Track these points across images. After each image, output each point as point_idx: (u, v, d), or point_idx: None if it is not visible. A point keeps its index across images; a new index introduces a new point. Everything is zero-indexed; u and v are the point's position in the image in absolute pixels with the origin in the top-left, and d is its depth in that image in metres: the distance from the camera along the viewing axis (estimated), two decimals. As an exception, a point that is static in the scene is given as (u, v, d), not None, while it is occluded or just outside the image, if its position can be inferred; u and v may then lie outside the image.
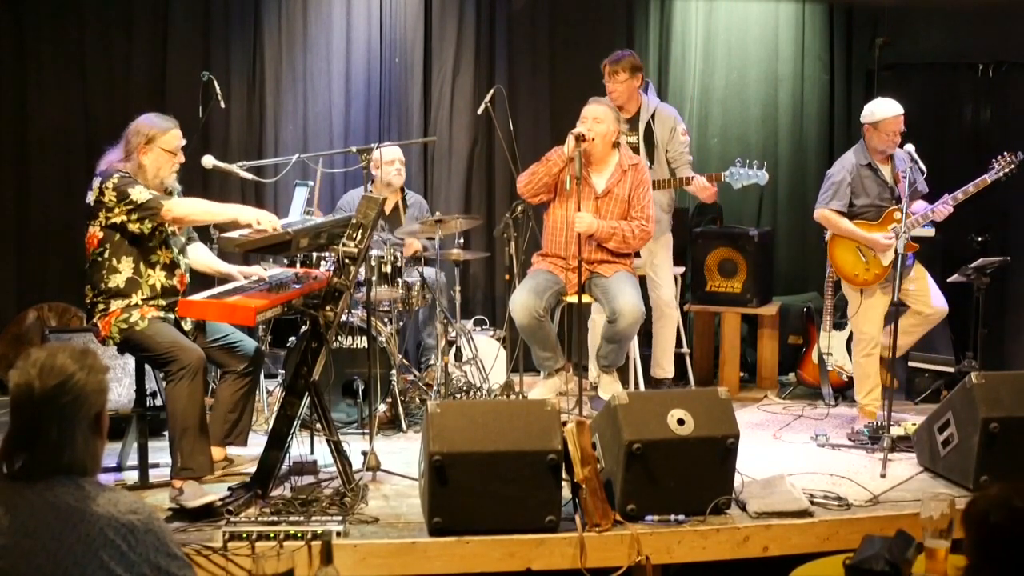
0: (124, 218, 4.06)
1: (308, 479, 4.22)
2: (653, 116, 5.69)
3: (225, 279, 4.52)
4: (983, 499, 2.19)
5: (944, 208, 5.13)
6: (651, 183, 5.56)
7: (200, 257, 4.49)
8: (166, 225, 4.16)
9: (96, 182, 4.10)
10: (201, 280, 4.61)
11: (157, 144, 4.14)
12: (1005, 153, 5.13)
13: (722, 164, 6.05)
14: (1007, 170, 5.11)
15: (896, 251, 4.80)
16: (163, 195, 4.12)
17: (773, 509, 3.88)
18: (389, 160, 5.84)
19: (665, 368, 5.87)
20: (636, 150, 5.66)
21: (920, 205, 5.20)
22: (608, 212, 5.24)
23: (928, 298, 5.29)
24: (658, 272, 5.80)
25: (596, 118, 5.20)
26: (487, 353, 5.84)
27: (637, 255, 5.79)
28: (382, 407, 5.13)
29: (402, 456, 4.53)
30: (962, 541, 3.69)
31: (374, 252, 5.03)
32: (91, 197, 4.10)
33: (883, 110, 5.19)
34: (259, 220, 4.07)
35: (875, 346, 5.27)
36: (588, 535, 3.67)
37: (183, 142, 4.25)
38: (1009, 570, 2.11)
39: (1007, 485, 2.23)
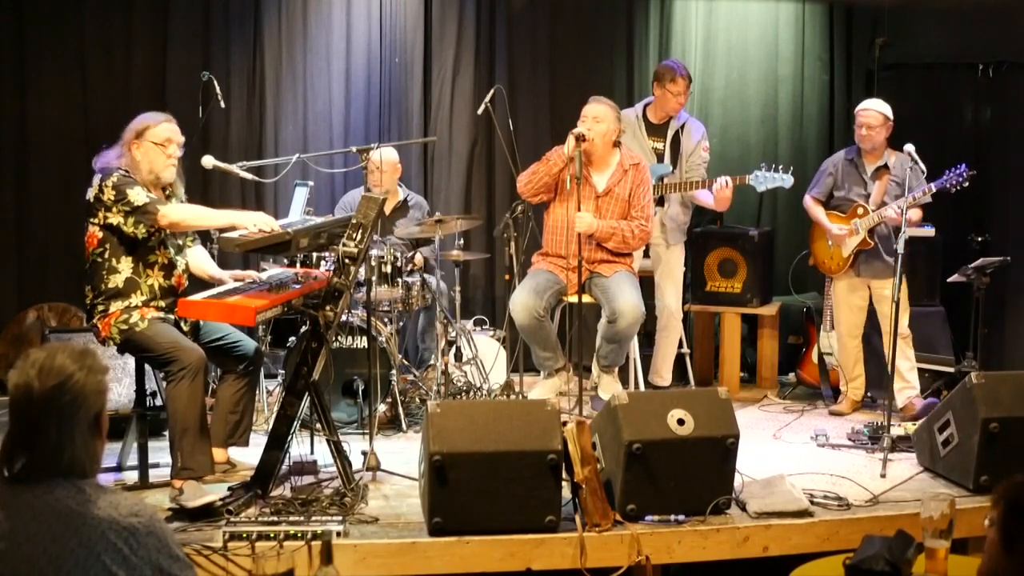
0: (120, 220, 4.05)
1: (308, 479, 4.22)
2: (682, 127, 5.75)
3: (219, 282, 4.50)
4: None
5: (890, 211, 5.22)
6: (673, 185, 5.64)
7: (197, 261, 4.48)
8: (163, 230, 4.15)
9: (96, 179, 4.09)
10: (201, 280, 4.60)
11: (147, 137, 4.13)
12: (956, 167, 5.15)
13: (721, 164, 6.06)
14: (954, 182, 5.15)
15: (897, 251, 4.80)
16: (160, 199, 4.11)
17: (773, 509, 3.88)
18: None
19: (664, 376, 5.88)
20: (661, 156, 5.70)
21: (890, 207, 5.26)
22: (609, 211, 5.24)
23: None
24: (667, 280, 5.82)
25: (596, 117, 5.20)
26: (487, 353, 5.84)
27: (647, 256, 5.81)
28: (382, 407, 5.13)
29: (402, 456, 4.53)
30: (967, 541, 3.71)
31: (374, 252, 5.03)
32: (91, 194, 4.09)
33: (859, 105, 5.50)
34: (256, 224, 4.07)
35: (847, 335, 5.58)
36: (588, 535, 3.67)
37: (180, 138, 4.22)
38: None
39: None
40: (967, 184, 5.16)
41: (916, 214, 5.32)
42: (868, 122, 5.37)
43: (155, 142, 4.14)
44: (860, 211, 5.40)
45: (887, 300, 5.24)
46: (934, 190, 5.18)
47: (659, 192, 5.66)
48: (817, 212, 5.59)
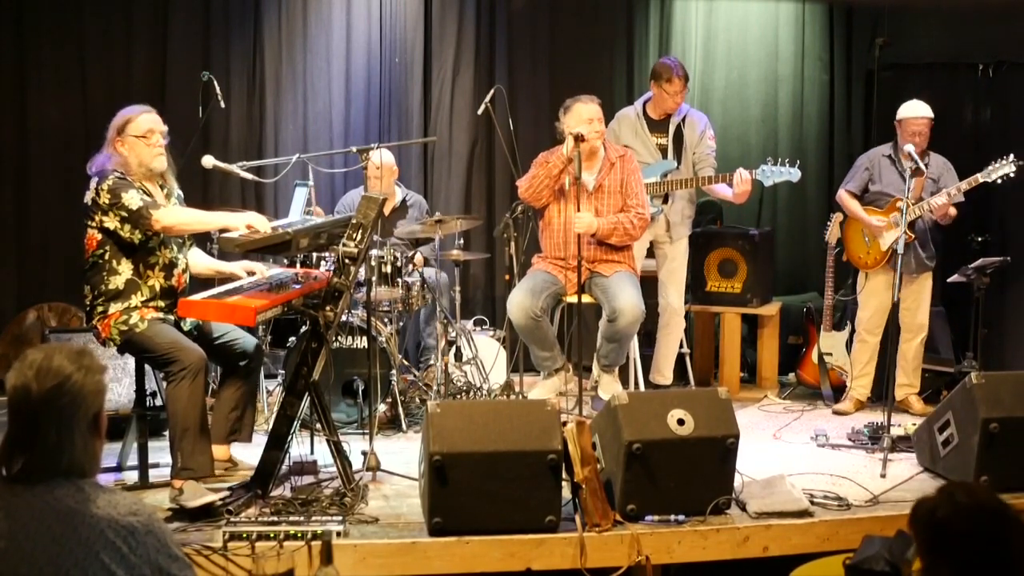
0: (116, 225, 4.05)
1: (308, 479, 4.22)
2: (684, 120, 5.74)
3: (227, 279, 4.51)
4: (927, 500, 2.23)
5: (937, 200, 5.26)
6: (679, 182, 5.62)
7: (200, 261, 4.48)
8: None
9: (92, 183, 4.09)
10: (201, 280, 4.61)
11: (128, 132, 4.12)
12: (1003, 157, 5.23)
13: (722, 164, 6.06)
14: (1002, 172, 5.23)
15: (896, 251, 4.81)
16: (154, 202, 4.10)
17: (773, 509, 3.88)
18: None
19: (665, 375, 5.87)
20: (665, 152, 5.70)
21: (939, 196, 5.31)
22: (604, 206, 5.25)
23: (913, 316, 5.44)
24: (670, 278, 5.81)
25: (599, 118, 5.22)
26: (487, 353, 5.84)
27: (650, 255, 5.81)
28: (382, 407, 5.13)
29: (402, 456, 4.53)
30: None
31: (374, 252, 5.03)
32: (88, 197, 4.09)
33: (905, 110, 5.48)
34: (248, 225, 4.07)
35: (868, 332, 5.56)
36: (588, 535, 3.67)
37: (162, 127, 4.20)
38: (964, 566, 2.13)
39: (950, 484, 2.29)
40: (1014, 174, 5.21)
41: (952, 211, 5.36)
42: (921, 130, 5.38)
43: (137, 135, 4.13)
44: (899, 205, 5.31)
45: (911, 296, 5.38)
46: (980, 180, 5.24)
47: (664, 189, 5.64)
48: (853, 206, 5.60)
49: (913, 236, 5.40)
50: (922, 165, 5.11)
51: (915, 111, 5.42)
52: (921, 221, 5.42)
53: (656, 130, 5.75)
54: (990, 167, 5.23)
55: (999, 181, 5.23)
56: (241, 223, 4.11)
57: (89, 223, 4.10)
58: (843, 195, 5.67)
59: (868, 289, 5.60)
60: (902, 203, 5.25)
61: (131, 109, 4.19)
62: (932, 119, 5.42)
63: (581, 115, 5.19)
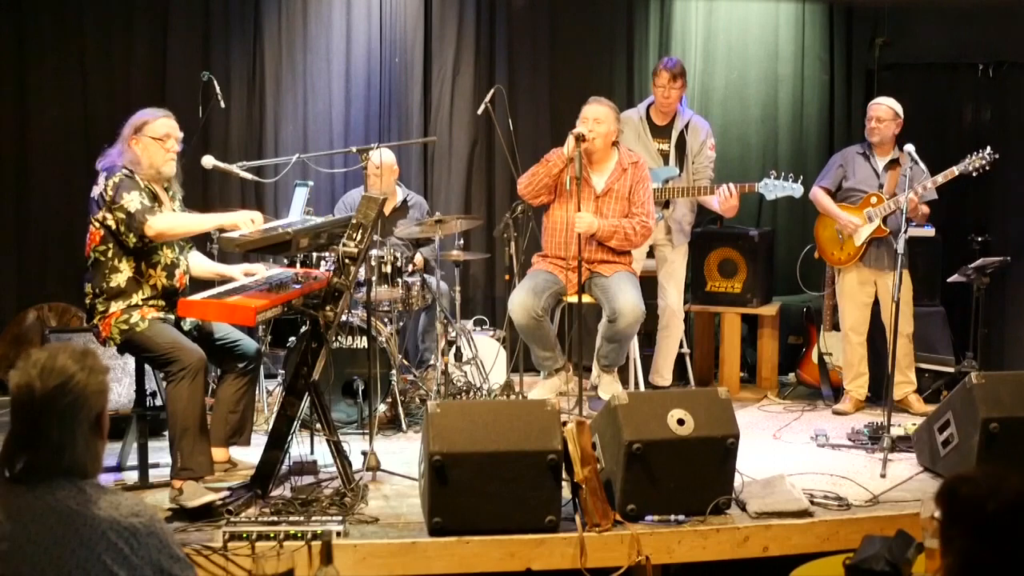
0: (116, 226, 4.05)
1: (308, 479, 4.23)
2: (687, 126, 5.73)
3: (226, 280, 4.51)
4: (967, 485, 2.05)
5: (911, 194, 5.19)
6: (680, 190, 5.63)
7: (199, 263, 4.48)
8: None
9: (101, 178, 4.09)
10: (201, 280, 4.60)
11: (145, 133, 4.14)
12: (979, 150, 5.28)
13: (722, 165, 6.07)
14: (977, 164, 5.26)
15: (898, 251, 4.81)
16: (149, 208, 4.08)
17: (773, 509, 3.88)
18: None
19: (664, 376, 5.87)
20: (667, 158, 5.69)
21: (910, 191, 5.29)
22: (610, 211, 5.25)
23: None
24: (670, 281, 5.81)
25: (597, 119, 5.20)
26: (487, 353, 5.84)
27: (650, 256, 5.82)
28: (382, 407, 5.13)
29: (402, 456, 4.54)
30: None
31: (374, 252, 5.03)
32: (96, 192, 4.09)
33: (872, 100, 5.62)
34: (241, 223, 4.07)
35: (852, 332, 5.59)
36: (588, 535, 3.68)
37: (178, 133, 4.23)
38: (1013, 561, 1.98)
39: (991, 470, 2.09)
40: (988, 168, 5.24)
41: (924, 209, 5.39)
42: (878, 115, 5.48)
43: (154, 137, 4.15)
44: (874, 200, 5.45)
45: (888, 295, 5.28)
46: (956, 173, 5.26)
47: (666, 196, 5.65)
48: (827, 202, 5.61)
49: (887, 231, 5.43)
50: (923, 166, 5.11)
51: (877, 99, 5.56)
52: (895, 218, 5.36)
53: (658, 136, 5.75)
54: (966, 160, 5.27)
55: (974, 173, 5.26)
56: (233, 222, 4.11)
57: (94, 217, 4.09)
58: (817, 192, 5.68)
59: (843, 287, 5.63)
60: (875, 198, 5.40)
61: (151, 111, 4.22)
62: (898, 115, 5.46)
63: (584, 114, 5.21)
